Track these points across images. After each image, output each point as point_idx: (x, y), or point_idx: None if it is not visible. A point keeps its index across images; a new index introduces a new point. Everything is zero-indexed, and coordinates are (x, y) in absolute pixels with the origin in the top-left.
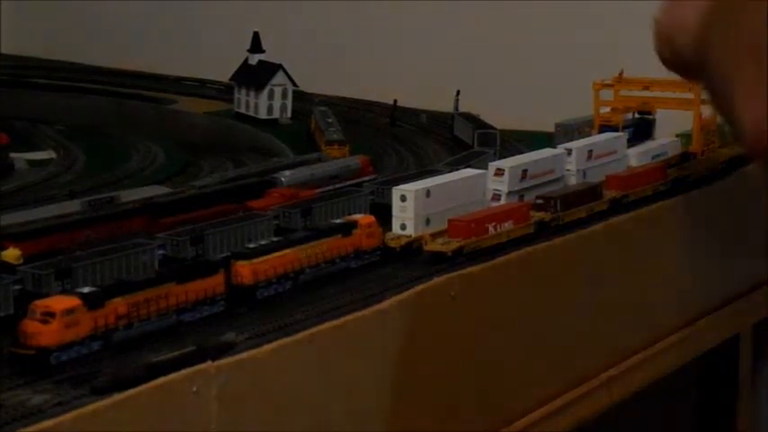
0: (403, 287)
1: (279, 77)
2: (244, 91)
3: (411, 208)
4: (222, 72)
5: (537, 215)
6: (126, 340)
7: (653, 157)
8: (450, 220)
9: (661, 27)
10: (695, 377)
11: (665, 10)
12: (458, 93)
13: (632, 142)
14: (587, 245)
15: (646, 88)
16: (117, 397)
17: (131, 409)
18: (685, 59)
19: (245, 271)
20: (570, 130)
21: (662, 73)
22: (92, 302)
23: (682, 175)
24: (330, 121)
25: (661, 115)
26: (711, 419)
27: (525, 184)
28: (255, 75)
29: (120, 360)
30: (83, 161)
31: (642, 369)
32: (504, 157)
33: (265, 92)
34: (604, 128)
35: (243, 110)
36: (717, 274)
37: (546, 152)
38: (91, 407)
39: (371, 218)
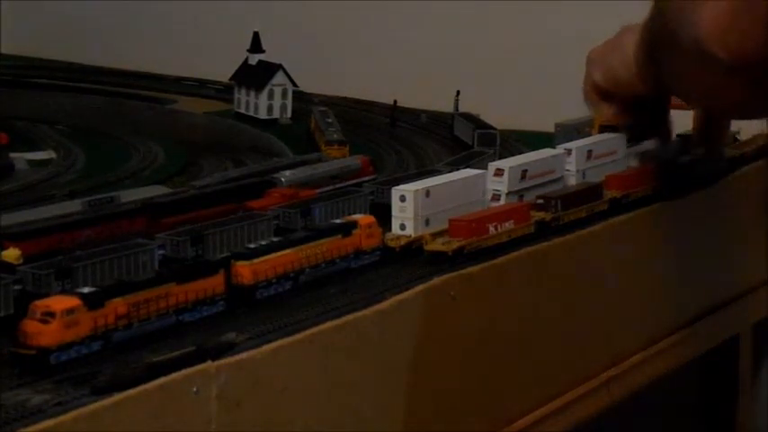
0: (403, 287)
1: (279, 77)
2: (244, 91)
3: (411, 208)
4: (222, 72)
5: (537, 215)
6: (126, 340)
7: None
8: (450, 220)
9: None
10: (695, 377)
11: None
12: (458, 93)
13: (632, 142)
14: (587, 245)
15: None
16: (117, 397)
17: (131, 409)
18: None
19: (245, 271)
20: (570, 130)
21: None
22: (92, 302)
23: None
24: (330, 121)
25: None
26: (711, 419)
27: (525, 184)
28: (255, 75)
29: (120, 360)
30: (83, 161)
31: (642, 369)
32: (504, 157)
33: (265, 92)
34: (604, 128)
35: (243, 110)
36: (717, 274)
37: (546, 152)
38: (91, 407)
39: (371, 218)
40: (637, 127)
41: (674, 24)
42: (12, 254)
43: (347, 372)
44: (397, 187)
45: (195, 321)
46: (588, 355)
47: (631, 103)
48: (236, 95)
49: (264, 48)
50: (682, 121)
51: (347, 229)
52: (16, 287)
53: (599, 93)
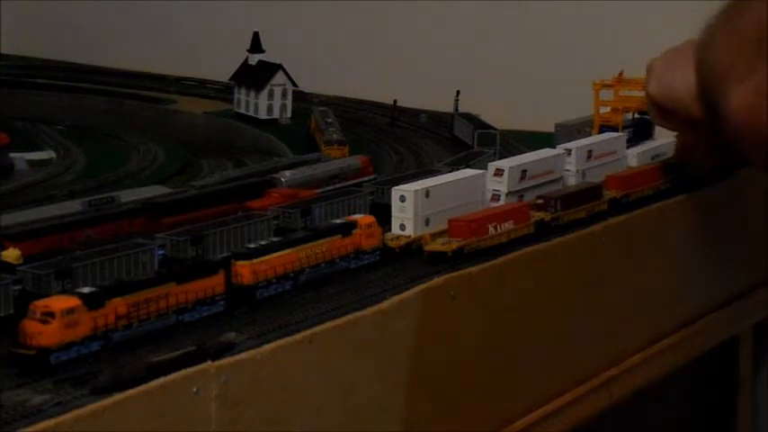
0: (403, 287)
1: (279, 77)
2: (244, 91)
3: (410, 208)
4: (222, 72)
5: (537, 215)
6: (126, 340)
7: (653, 157)
8: (450, 220)
9: (660, 98)
10: (695, 377)
11: (658, 90)
12: (458, 93)
13: (632, 142)
14: (587, 245)
15: None
16: (117, 397)
17: (131, 409)
18: (684, 109)
19: (245, 271)
20: (570, 131)
21: None
22: (92, 302)
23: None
24: (330, 121)
25: None
26: (711, 419)
27: (525, 185)
28: (255, 75)
29: (120, 360)
30: (83, 161)
31: (642, 369)
32: (504, 157)
33: (265, 92)
34: (604, 128)
35: (243, 110)
36: (717, 274)
37: (546, 152)
38: (91, 407)
39: (371, 218)
40: (691, 151)
41: (711, 93)
42: (12, 254)
43: (347, 372)
44: (397, 187)
45: (195, 321)
46: (588, 355)
47: (689, 122)
48: (236, 95)
49: (264, 48)
50: None
51: (347, 229)
52: (16, 287)
53: (656, 106)
